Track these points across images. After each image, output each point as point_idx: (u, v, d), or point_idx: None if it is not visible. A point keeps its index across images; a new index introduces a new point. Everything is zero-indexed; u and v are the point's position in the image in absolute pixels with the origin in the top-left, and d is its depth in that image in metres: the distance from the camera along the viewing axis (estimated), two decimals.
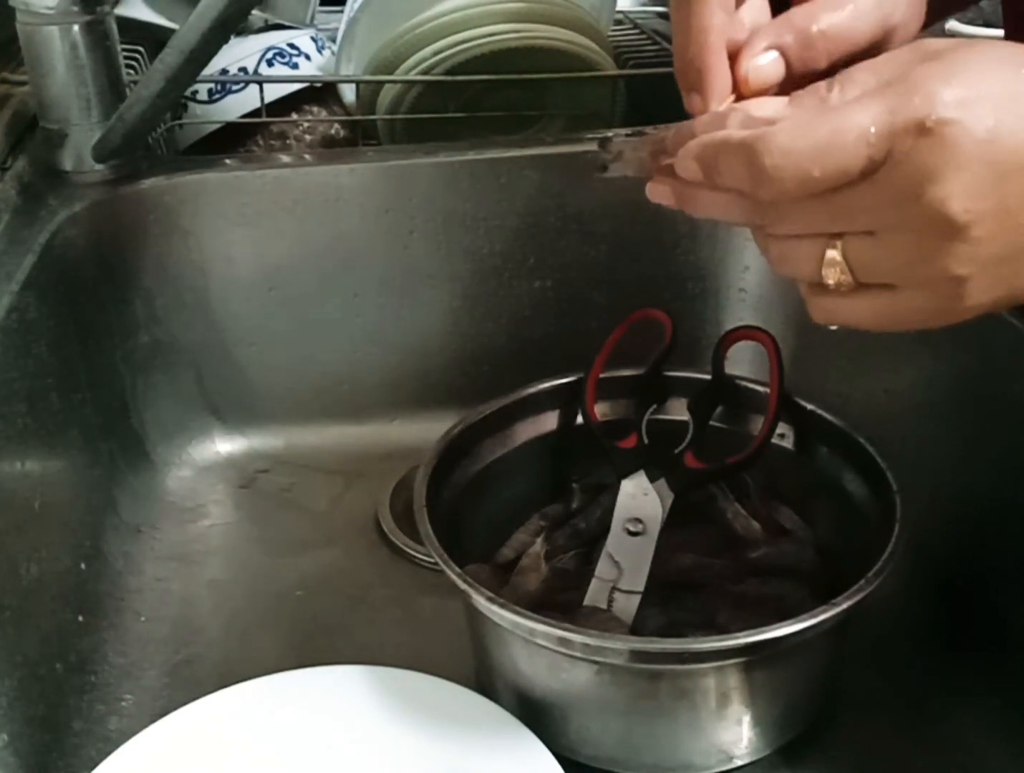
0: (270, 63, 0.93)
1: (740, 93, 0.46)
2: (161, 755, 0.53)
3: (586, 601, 0.56)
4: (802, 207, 0.39)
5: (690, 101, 0.46)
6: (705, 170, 0.41)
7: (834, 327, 0.42)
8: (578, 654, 0.50)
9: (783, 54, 0.46)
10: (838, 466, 0.60)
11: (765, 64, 0.46)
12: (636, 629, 0.55)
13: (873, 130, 0.36)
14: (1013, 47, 0.38)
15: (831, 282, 0.40)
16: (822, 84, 0.41)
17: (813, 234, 0.39)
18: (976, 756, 0.56)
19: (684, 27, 0.46)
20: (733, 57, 0.46)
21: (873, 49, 0.47)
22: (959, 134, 0.35)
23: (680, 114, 0.87)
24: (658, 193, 0.44)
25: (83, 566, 0.64)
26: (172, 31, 0.69)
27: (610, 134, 0.46)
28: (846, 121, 0.37)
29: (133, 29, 0.93)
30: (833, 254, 0.39)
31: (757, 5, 0.48)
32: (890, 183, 0.37)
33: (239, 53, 0.93)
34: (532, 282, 0.80)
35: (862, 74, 0.40)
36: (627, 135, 0.46)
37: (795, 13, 0.46)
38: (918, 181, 0.36)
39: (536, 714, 0.54)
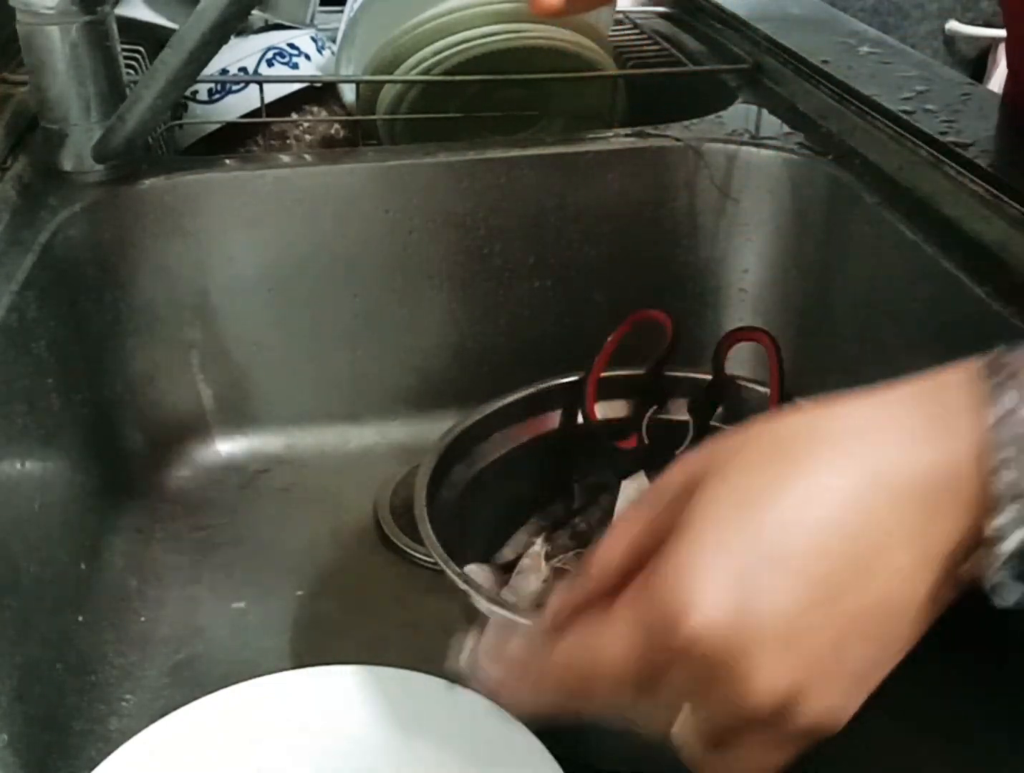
0: (270, 63, 0.93)
1: None
2: (161, 755, 0.53)
3: None
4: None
5: None
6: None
7: None
8: None
9: None
10: None
11: None
12: None
13: (631, 653, 0.37)
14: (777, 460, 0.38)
15: (681, 744, 0.40)
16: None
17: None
18: (976, 755, 0.56)
19: None
20: None
21: None
22: (713, 642, 0.35)
23: (679, 113, 0.87)
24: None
25: (83, 566, 0.64)
26: (172, 31, 0.69)
27: None
28: (606, 649, 0.38)
29: (133, 29, 0.93)
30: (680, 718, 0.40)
31: None
32: (685, 675, 0.37)
33: (239, 53, 0.93)
34: (532, 282, 0.80)
35: (623, 537, 0.40)
36: None
37: None
38: (698, 680, 0.37)
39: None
